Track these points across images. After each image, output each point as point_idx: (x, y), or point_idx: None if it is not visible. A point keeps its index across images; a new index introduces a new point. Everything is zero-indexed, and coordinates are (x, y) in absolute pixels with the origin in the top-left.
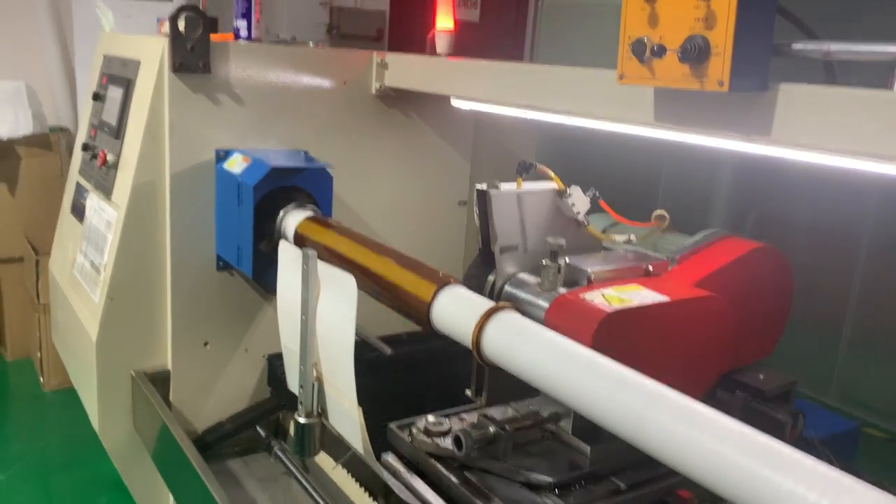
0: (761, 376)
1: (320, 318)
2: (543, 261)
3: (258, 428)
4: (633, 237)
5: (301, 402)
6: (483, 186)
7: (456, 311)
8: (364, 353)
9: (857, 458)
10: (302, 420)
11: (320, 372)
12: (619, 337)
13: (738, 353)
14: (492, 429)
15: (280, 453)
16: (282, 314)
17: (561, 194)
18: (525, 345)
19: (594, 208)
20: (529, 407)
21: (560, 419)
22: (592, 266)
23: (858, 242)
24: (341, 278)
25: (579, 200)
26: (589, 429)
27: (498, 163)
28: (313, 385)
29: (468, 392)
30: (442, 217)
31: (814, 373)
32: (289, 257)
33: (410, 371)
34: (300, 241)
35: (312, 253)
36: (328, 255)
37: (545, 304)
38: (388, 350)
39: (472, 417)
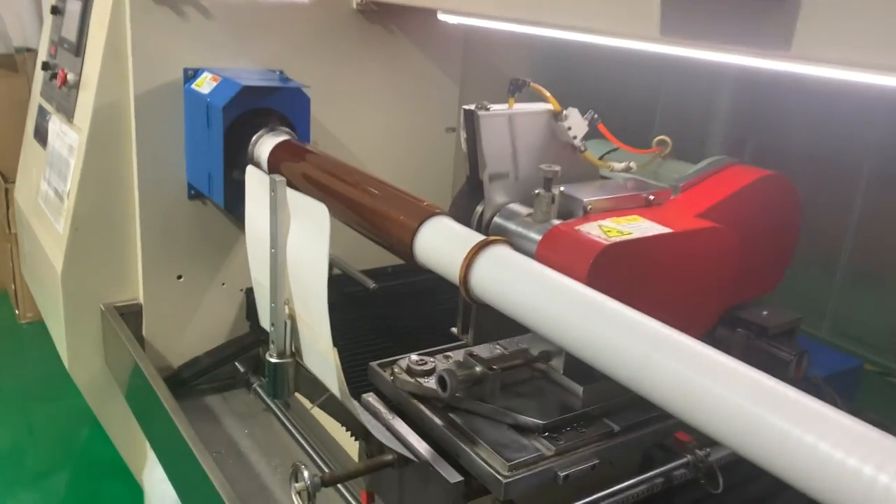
0: (764, 313)
1: (291, 251)
2: (536, 190)
3: (237, 364)
4: (633, 164)
5: (273, 342)
6: (471, 107)
7: (441, 244)
8: (346, 287)
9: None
10: (274, 360)
11: (293, 309)
12: (617, 272)
13: (742, 289)
14: (478, 368)
15: (259, 389)
16: (251, 246)
17: (556, 116)
18: (516, 282)
19: (592, 133)
20: (518, 345)
21: (551, 358)
22: (589, 195)
23: (859, 173)
24: (313, 207)
25: (576, 124)
26: (581, 368)
27: (489, 85)
28: (285, 323)
29: (454, 330)
30: (429, 145)
31: (806, 306)
32: (256, 184)
33: (395, 306)
34: (274, 168)
35: (280, 180)
36: (304, 182)
37: (537, 237)
38: (371, 284)
39: (458, 356)
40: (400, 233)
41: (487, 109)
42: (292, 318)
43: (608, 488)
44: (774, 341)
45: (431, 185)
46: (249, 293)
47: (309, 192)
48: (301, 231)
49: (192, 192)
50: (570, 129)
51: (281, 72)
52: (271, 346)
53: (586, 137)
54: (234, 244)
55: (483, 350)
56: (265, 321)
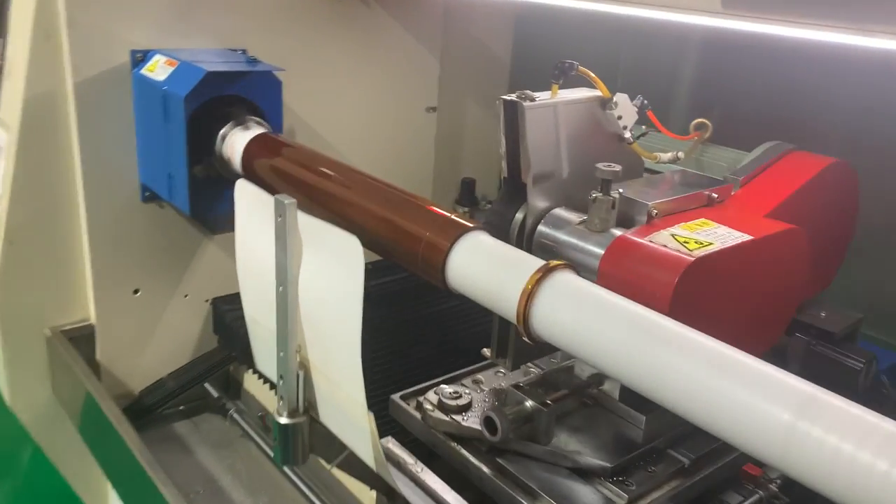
0: (823, 314)
1: (304, 288)
2: (593, 193)
3: (207, 385)
4: (681, 154)
5: (282, 398)
6: (512, 97)
7: (485, 269)
8: None
9: None
10: (284, 420)
11: (305, 357)
12: (702, 290)
13: (807, 287)
14: (528, 403)
15: (236, 414)
16: (245, 279)
17: (605, 104)
18: (597, 320)
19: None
20: (558, 364)
21: (602, 382)
22: (652, 197)
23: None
24: (337, 238)
25: (626, 111)
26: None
27: (472, 61)
28: (297, 375)
29: (485, 352)
30: (408, 126)
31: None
32: (252, 203)
33: (380, 308)
34: (251, 169)
35: (290, 202)
36: (294, 188)
37: (597, 250)
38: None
39: (490, 380)
40: (428, 253)
41: (533, 100)
42: (305, 367)
43: None
44: (838, 346)
45: (412, 171)
46: (216, 304)
47: (299, 200)
48: (317, 265)
49: (147, 193)
50: (620, 117)
51: (244, 51)
52: (280, 402)
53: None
54: (196, 250)
55: (518, 373)
56: (265, 367)
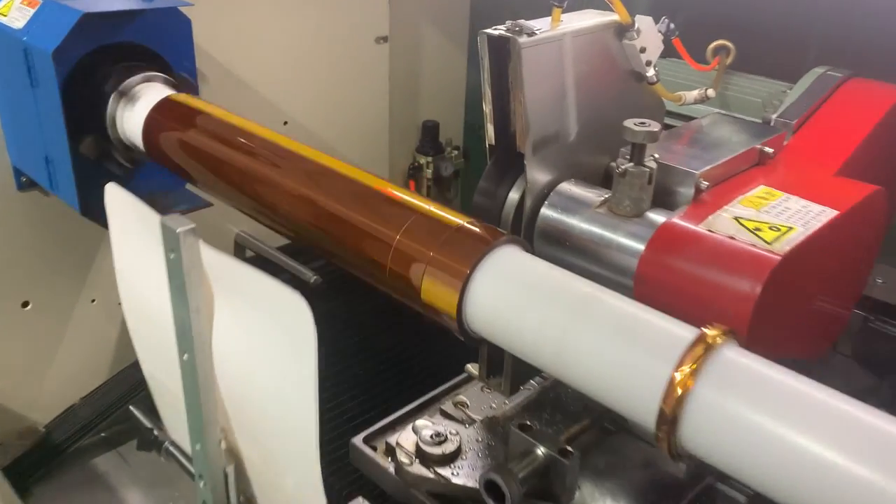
0: (879, 280)
1: (222, 356)
2: (619, 163)
3: (132, 407)
4: (710, 92)
5: (200, 478)
6: (499, 31)
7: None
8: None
9: None
10: None
11: (234, 445)
12: (786, 295)
13: None
14: (541, 451)
15: (172, 447)
16: (132, 315)
17: (621, 31)
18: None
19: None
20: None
21: None
22: (696, 162)
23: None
24: (276, 295)
25: (651, 40)
26: None
27: None
28: (225, 475)
29: (470, 368)
30: (356, 62)
31: None
32: (129, 221)
33: (346, 299)
34: (157, 151)
35: (185, 230)
36: (222, 182)
37: (633, 244)
38: (311, 277)
39: (476, 400)
40: (435, 285)
41: (532, 33)
42: (236, 458)
43: None
44: None
45: (364, 116)
46: None
47: (231, 199)
48: (242, 326)
49: (23, 179)
50: (643, 50)
51: None
52: (198, 486)
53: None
54: (100, 243)
55: (516, 403)
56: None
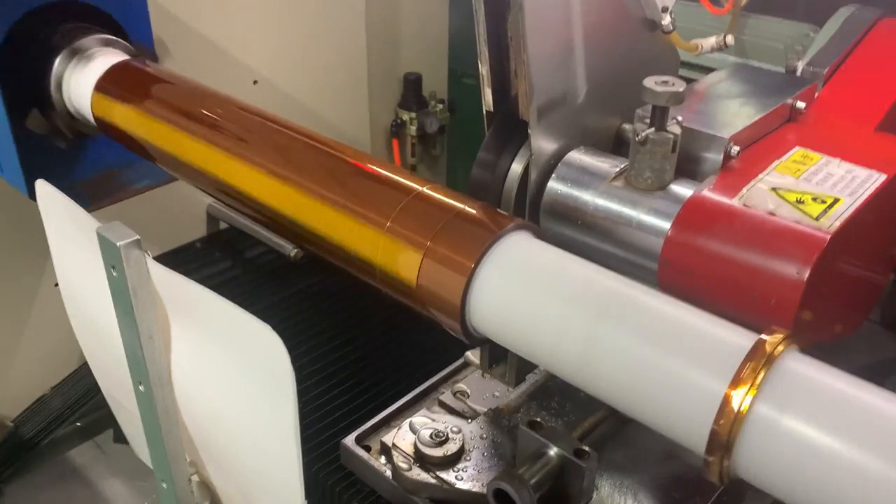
0: None
1: (188, 388)
2: (637, 128)
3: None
4: (729, 39)
5: None
6: None
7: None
8: (250, 252)
9: None
10: None
11: (206, 479)
12: (833, 275)
13: None
14: (553, 452)
15: None
16: (83, 334)
17: None
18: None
19: None
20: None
21: None
22: (723, 123)
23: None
24: (245, 329)
25: None
26: None
27: None
28: None
29: (470, 356)
30: (331, 10)
31: None
32: (65, 225)
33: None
34: (109, 126)
35: (127, 242)
36: (184, 164)
37: (657, 222)
38: (292, 250)
39: (476, 389)
40: (433, 282)
41: None
42: (210, 492)
43: None
44: None
45: (341, 68)
46: None
47: (192, 179)
48: (207, 355)
49: None
50: None
51: None
52: None
53: None
54: None
55: (519, 395)
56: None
